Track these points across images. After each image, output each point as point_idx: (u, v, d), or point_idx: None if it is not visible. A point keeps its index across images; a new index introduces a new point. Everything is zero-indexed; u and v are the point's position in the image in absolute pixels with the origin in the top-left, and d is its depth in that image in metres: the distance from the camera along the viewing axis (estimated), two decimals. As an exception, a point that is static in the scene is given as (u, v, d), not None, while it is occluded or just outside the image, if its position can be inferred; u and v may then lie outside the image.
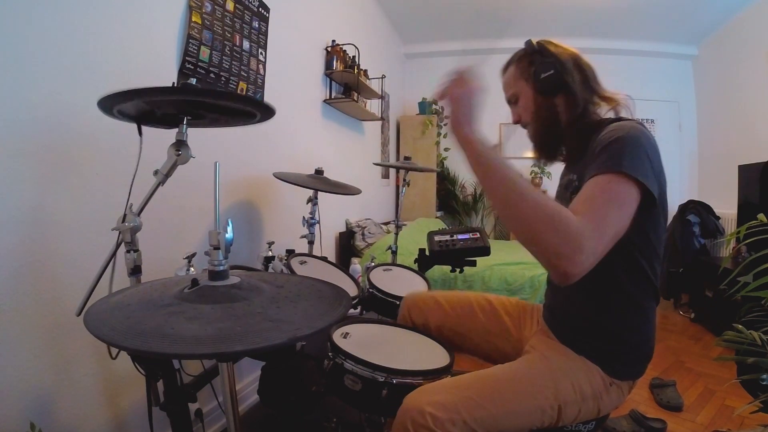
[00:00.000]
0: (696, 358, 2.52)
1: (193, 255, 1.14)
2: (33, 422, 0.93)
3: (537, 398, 0.85)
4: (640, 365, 0.94)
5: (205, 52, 1.56)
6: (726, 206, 3.63)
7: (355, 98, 2.86)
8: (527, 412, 0.84)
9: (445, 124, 4.88)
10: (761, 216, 1.20)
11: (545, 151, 1.03)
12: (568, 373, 0.88)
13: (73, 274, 1.09)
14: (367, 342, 1.10)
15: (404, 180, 2.22)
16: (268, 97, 1.98)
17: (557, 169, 1.09)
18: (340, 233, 3.03)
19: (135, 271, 0.92)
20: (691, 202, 3.71)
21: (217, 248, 0.68)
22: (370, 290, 1.55)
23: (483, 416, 0.80)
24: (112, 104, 0.77)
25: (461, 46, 4.86)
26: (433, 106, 4.73)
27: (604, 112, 0.96)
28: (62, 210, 1.08)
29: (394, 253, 2.13)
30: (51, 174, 1.06)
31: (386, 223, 3.66)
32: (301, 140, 2.39)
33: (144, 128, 0.91)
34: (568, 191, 0.96)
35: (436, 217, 4.57)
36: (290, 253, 1.62)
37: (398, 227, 2.21)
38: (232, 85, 1.72)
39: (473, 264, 1.69)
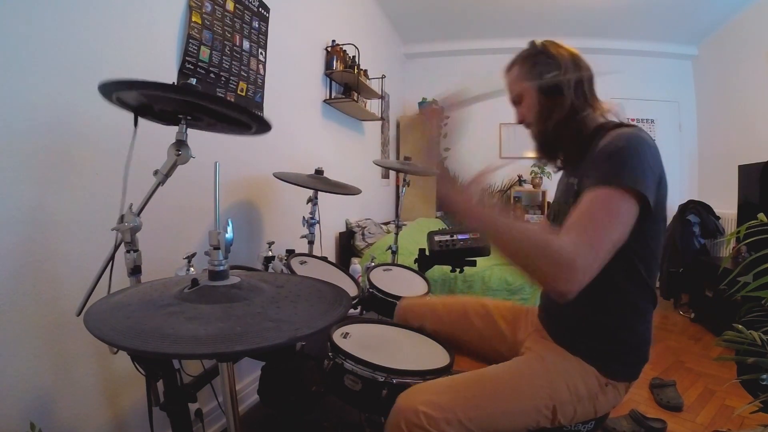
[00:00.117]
0: (696, 358, 2.52)
1: (193, 255, 1.14)
2: (33, 422, 0.93)
3: (532, 398, 0.85)
4: (635, 367, 0.93)
5: (205, 52, 1.56)
6: (726, 206, 3.63)
7: (355, 98, 2.86)
8: (522, 412, 0.84)
9: (445, 124, 4.88)
10: (761, 216, 1.20)
11: (546, 152, 1.04)
12: (563, 374, 0.88)
13: (73, 274, 1.09)
14: (367, 342, 1.10)
15: (404, 180, 2.22)
16: (268, 97, 1.98)
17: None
18: (340, 233, 3.03)
19: (135, 271, 0.92)
20: (691, 202, 3.71)
21: (217, 248, 0.68)
22: (370, 290, 1.55)
23: (478, 415, 0.80)
24: (112, 90, 0.78)
25: (461, 46, 4.87)
26: (433, 106, 4.73)
27: (604, 116, 0.96)
28: (62, 210, 1.08)
29: (394, 253, 2.13)
30: (51, 174, 1.06)
31: (386, 223, 3.66)
32: (301, 140, 2.39)
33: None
34: (568, 195, 0.96)
35: (436, 217, 4.57)
36: (290, 253, 1.62)
37: (398, 227, 2.22)
38: (232, 85, 1.72)
39: (473, 264, 1.69)
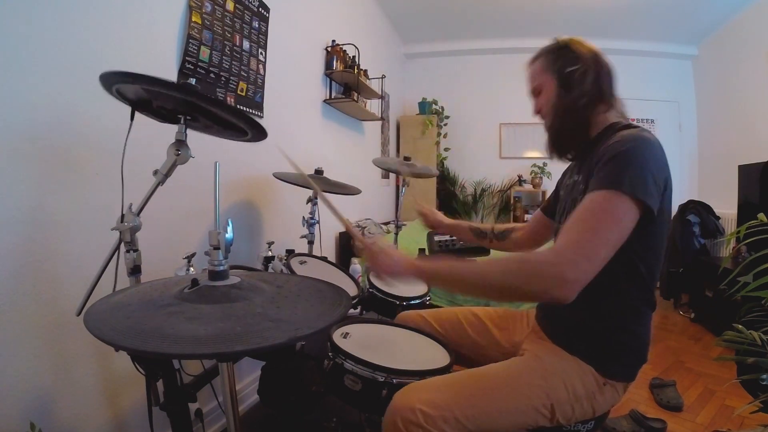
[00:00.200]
0: (696, 358, 2.52)
1: (193, 255, 1.14)
2: (33, 422, 0.93)
3: (529, 397, 0.85)
4: (633, 368, 0.93)
5: (205, 52, 1.56)
6: (726, 206, 3.63)
7: (355, 98, 2.86)
8: (519, 411, 0.84)
9: (445, 124, 4.89)
10: (761, 216, 1.20)
11: (557, 145, 1.04)
12: (560, 373, 0.88)
13: (73, 274, 1.09)
14: (367, 342, 1.10)
15: (404, 180, 2.22)
16: (268, 97, 1.98)
17: (557, 169, 1.09)
18: (340, 233, 3.03)
19: (135, 271, 0.92)
20: (691, 202, 3.71)
21: (217, 248, 0.68)
22: (370, 290, 1.55)
23: (475, 414, 0.80)
24: (113, 82, 0.78)
25: (461, 46, 4.87)
26: (433, 106, 4.73)
27: (616, 116, 0.97)
28: (62, 210, 1.08)
29: (394, 253, 2.12)
30: (51, 174, 1.06)
31: (386, 223, 3.66)
32: (301, 140, 2.39)
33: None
34: (574, 193, 0.96)
35: (436, 217, 4.56)
36: (290, 253, 1.63)
37: (398, 227, 2.22)
38: (232, 85, 1.72)
39: (473, 264, 1.69)
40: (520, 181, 4.81)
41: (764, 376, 1.10)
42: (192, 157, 0.90)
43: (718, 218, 3.65)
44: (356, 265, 2.31)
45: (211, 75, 1.60)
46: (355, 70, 2.81)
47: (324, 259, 1.78)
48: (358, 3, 3.39)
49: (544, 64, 1.00)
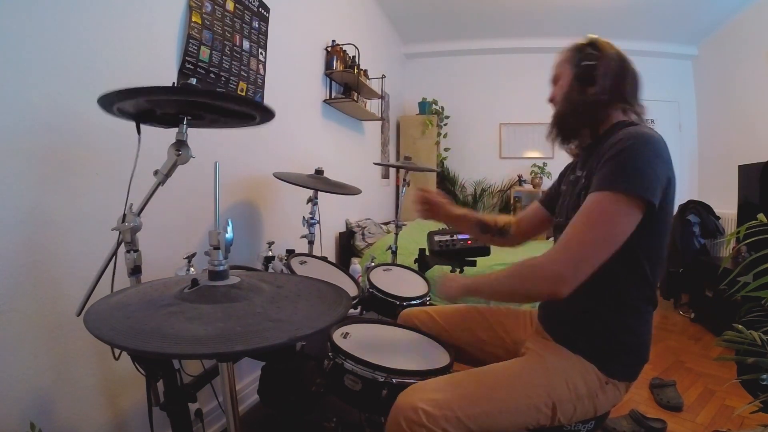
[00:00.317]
0: (696, 358, 2.52)
1: (193, 255, 1.14)
2: (33, 422, 0.93)
3: (531, 396, 0.85)
4: (634, 367, 0.94)
5: (205, 52, 1.56)
6: (726, 206, 3.63)
7: (355, 98, 2.86)
8: (521, 410, 0.84)
9: (445, 124, 4.89)
10: (761, 216, 1.20)
11: (560, 133, 1.06)
12: (562, 372, 0.89)
13: (73, 274, 1.09)
14: (367, 342, 1.10)
15: (404, 180, 2.22)
16: (268, 97, 1.98)
17: (557, 169, 1.09)
18: (340, 233, 3.03)
19: (135, 271, 0.92)
20: (691, 202, 3.71)
21: (217, 248, 0.68)
22: (370, 290, 1.55)
23: (477, 413, 0.81)
24: (113, 102, 0.77)
25: (461, 46, 4.87)
26: (433, 106, 4.73)
27: (639, 117, 0.98)
28: (62, 210, 1.08)
29: (394, 253, 2.13)
30: (51, 174, 1.06)
31: (386, 223, 3.66)
32: (301, 140, 2.39)
33: (143, 127, 0.91)
34: (577, 189, 0.98)
35: (436, 217, 4.56)
36: (290, 253, 1.63)
37: (398, 227, 2.22)
38: (232, 85, 1.72)
39: (473, 264, 1.69)
40: (520, 181, 4.81)
41: (764, 376, 1.10)
42: (192, 157, 0.90)
43: (718, 218, 3.65)
44: (356, 265, 2.31)
45: (211, 75, 1.60)
46: (355, 70, 2.81)
47: (324, 259, 1.78)
48: (358, 3, 3.39)
49: (567, 56, 1.03)
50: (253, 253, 1.89)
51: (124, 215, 0.89)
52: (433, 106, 4.73)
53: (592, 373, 0.89)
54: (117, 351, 0.96)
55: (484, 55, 4.96)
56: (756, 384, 1.13)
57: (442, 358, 1.05)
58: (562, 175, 1.16)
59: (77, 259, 1.11)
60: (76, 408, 1.11)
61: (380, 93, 3.40)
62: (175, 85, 1.41)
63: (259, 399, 1.34)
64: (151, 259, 1.06)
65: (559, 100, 1.03)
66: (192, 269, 1.12)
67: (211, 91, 0.85)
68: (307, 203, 1.90)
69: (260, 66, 1.91)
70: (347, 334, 1.12)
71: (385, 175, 4.29)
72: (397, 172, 4.48)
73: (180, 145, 0.89)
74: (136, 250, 0.92)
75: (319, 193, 1.89)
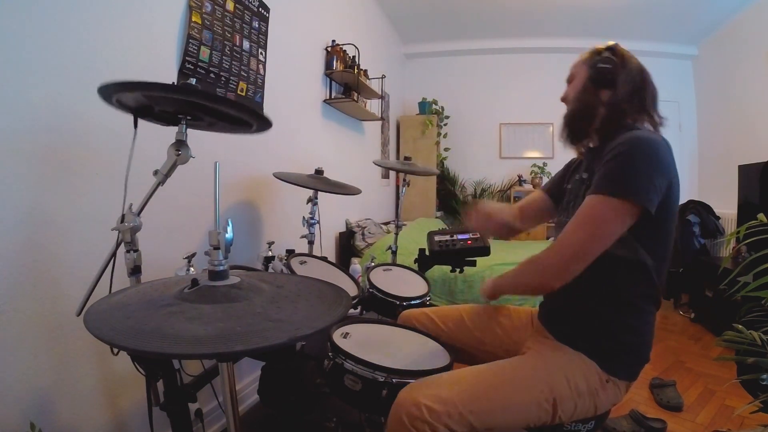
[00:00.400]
0: (696, 358, 2.52)
1: (193, 255, 1.14)
2: (33, 422, 0.93)
3: (532, 392, 0.85)
4: (635, 367, 0.94)
5: (205, 52, 1.56)
6: (726, 206, 3.63)
7: (355, 98, 2.86)
8: (522, 406, 0.85)
9: (445, 124, 4.89)
10: (761, 216, 1.20)
11: (570, 133, 1.06)
12: (563, 368, 0.89)
13: (73, 274, 1.09)
14: (367, 342, 1.10)
15: (404, 180, 2.22)
16: (268, 97, 1.98)
17: (557, 168, 1.10)
18: (340, 233, 3.03)
19: (135, 271, 0.92)
20: (691, 202, 3.71)
21: (217, 248, 0.68)
22: (370, 290, 1.55)
23: (479, 409, 0.81)
24: (112, 92, 0.78)
25: (461, 46, 4.87)
26: (433, 106, 4.73)
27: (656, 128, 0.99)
28: (62, 210, 1.08)
29: (394, 253, 2.13)
30: (51, 174, 1.06)
31: (386, 223, 3.66)
32: (301, 140, 2.39)
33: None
34: (581, 190, 0.99)
35: (436, 217, 4.57)
36: (290, 253, 1.62)
37: (398, 227, 2.21)
38: (232, 85, 1.72)
39: (473, 264, 1.69)
40: (520, 181, 4.81)
41: (764, 376, 1.10)
42: (192, 157, 0.90)
43: (718, 218, 3.65)
44: (356, 265, 2.31)
45: (211, 75, 1.60)
46: (355, 70, 2.81)
47: (324, 259, 1.78)
48: (358, 3, 3.39)
49: (587, 58, 1.03)
50: (253, 253, 1.89)
51: (124, 215, 0.89)
52: (433, 106, 4.73)
53: (593, 371, 0.89)
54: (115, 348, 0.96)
55: (484, 55, 4.96)
56: (756, 384, 1.13)
57: (442, 358, 1.05)
58: (566, 170, 1.17)
59: (77, 259, 1.11)
60: (76, 408, 1.11)
61: (380, 93, 3.40)
62: (175, 84, 1.41)
63: (259, 399, 1.34)
64: (151, 259, 1.06)
65: (571, 100, 1.04)
66: (192, 269, 1.11)
67: (208, 93, 0.85)
68: (307, 203, 1.90)
69: (260, 66, 1.91)
70: (347, 334, 1.11)
71: (385, 175, 4.29)
72: (397, 172, 4.48)
73: (180, 145, 0.89)
74: (136, 250, 0.92)
75: (319, 193, 1.89)
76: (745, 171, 3.23)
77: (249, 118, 0.88)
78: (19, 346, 0.98)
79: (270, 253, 1.61)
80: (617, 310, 0.91)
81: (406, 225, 3.30)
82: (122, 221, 0.89)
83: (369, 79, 3.13)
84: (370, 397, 0.93)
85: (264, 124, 0.90)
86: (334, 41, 2.74)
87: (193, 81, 1.50)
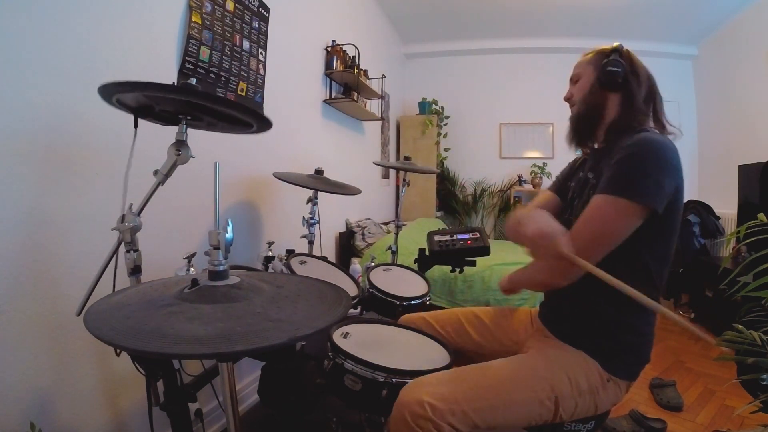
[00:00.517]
0: (696, 358, 2.52)
1: (193, 255, 1.14)
2: (33, 422, 0.93)
3: (535, 389, 0.86)
4: (636, 367, 0.94)
5: (205, 52, 1.56)
6: (726, 206, 3.63)
7: (355, 98, 2.86)
8: (524, 403, 0.85)
9: (445, 124, 4.89)
10: (761, 216, 1.19)
11: (577, 135, 1.07)
12: (564, 366, 0.89)
13: (73, 274, 1.09)
14: (367, 342, 1.10)
15: (404, 180, 2.22)
16: (268, 97, 1.98)
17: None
18: (340, 233, 3.03)
19: (135, 271, 0.92)
20: (691, 202, 3.71)
21: (217, 248, 0.68)
22: (370, 290, 1.55)
23: (482, 407, 0.81)
24: (113, 92, 0.78)
25: (461, 46, 4.87)
26: (433, 106, 4.73)
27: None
28: (62, 210, 1.08)
29: (394, 253, 2.13)
30: (51, 174, 1.06)
31: (386, 223, 3.66)
32: (301, 140, 2.39)
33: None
34: (586, 189, 1.00)
35: (436, 217, 4.57)
36: (290, 253, 1.62)
37: (398, 227, 2.21)
38: (232, 85, 1.72)
39: (473, 264, 1.69)
40: (520, 181, 4.81)
41: (764, 376, 1.10)
42: (192, 157, 0.90)
43: (718, 218, 3.65)
44: (356, 265, 2.30)
45: (211, 75, 1.60)
46: (355, 70, 2.81)
47: (324, 259, 1.78)
48: (358, 3, 3.39)
49: (593, 59, 1.03)
50: (253, 253, 1.89)
51: (124, 215, 0.89)
52: (433, 106, 4.73)
53: (594, 370, 0.90)
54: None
55: (484, 55, 4.96)
56: (756, 384, 1.13)
57: (442, 358, 1.05)
58: (571, 168, 1.17)
59: (77, 259, 1.11)
60: (76, 408, 1.11)
61: (380, 93, 3.39)
62: (175, 84, 1.41)
63: (259, 399, 1.34)
64: (151, 259, 1.06)
65: (578, 101, 1.04)
66: (192, 269, 1.12)
67: (208, 94, 0.85)
68: (307, 203, 1.90)
69: (260, 66, 1.91)
70: (347, 334, 1.11)
71: (385, 175, 4.29)
72: (397, 172, 4.48)
73: (180, 145, 0.89)
74: (136, 250, 0.92)
75: (319, 193, 1.89)
76: (745, 171, 3.23)
77: (249, 118, 0.88)
78: (19, 346, 0.98)
79: (270, 253, 1.61)
80: (618, 310, 0.91)
81: (406, 225, 3.30)
82: (122, 221, 0.89)
83: (369, 79, 3.13)
84: (370, 397, 0.93)
85: (264, 124, 0.90)
86: (334, 41, 2.74)
87: (193, 81, 1.49)
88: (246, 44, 1.80)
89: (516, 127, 4.95)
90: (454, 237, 1.70)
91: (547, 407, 0.86)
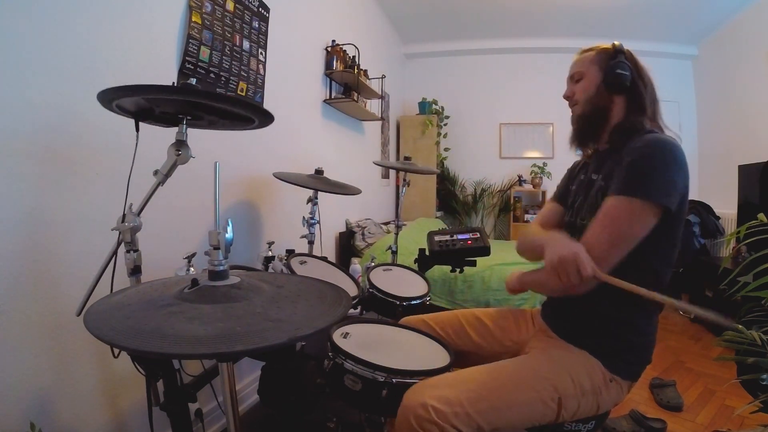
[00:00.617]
0: (696, 358, 2.52)
1: (193, 255, 1.14)
2: (33, 422, 0.93)
3: (538, 389, 0.86)
4: (637, 367, 0.94)
5: (205, 52, 1.56)
6: (726, 206, 3.63)
7: (355, 98, 2.86)
8: (528, 404, 0.85)
9: (445, 124, 4.89)
10: (761, 216, 1.20)
11: (581, 136, 1.07)
12: (567, 366, 0.89)
13: (73, 274, 1.09)
14: (367, 342, 1.10)
15: (404, 180, 2.22)
16: (268, 97, 1.98)
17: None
18: (340, 233, 3.03)
19: (135, 271, 0.92)
20: (691, 202, 3.71)
21: (217, 248, 0.68)
22: (370, 290, 1.55)
23: (485, 408, 0.81)
24: (112, 98, 0.78)
25: (461, 46, 4.87)
26: (433, 106, 4.73)
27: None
28: (62, 210, 1.08)
29: (394, 253, 2.13)
30: (51, 174, 1.06)
31: (386, 223, 3.66)
32: (301, 140, 2.39)
33: (144, 128, 0.91)
34: (592, 190, 1.00)
35: (436, 217, 4.57)
36: (290, 253, 1.62)
37: (398, 227, 2.21)
38: (232, 85, 1.72)
39: (473, 264, 1.69)
40: (520, 181, 4.81)
41: (764, 376, 1.10)
42: (192, 157, 0.90)
43: (718, 218, 3.65)
44: (356, 265, 2.30)
45: (211, 75, 1.60)
46: (355, 70, 2.81)
47: (324, 259, 1.78)
48: (358, 3, 3.39)
49: (596, 58, 1.02)
50: (253, 253, 1.89)
51: (124, 215, 0.89)
52: (433, 106, 4.73)
53: (596, 369, 0.90)
54: (116, 349, 0.96)
55: (484, 55, 4.96)
56: (756, 384, 1.14)
57: (442, 358, 1.05)
58: (571, 173, 1.17)
59: (77, 259, 1.11)
60: (76, 408, 1.11)
61: (380, 93, 3.39)
62: (175, 84, 1.41)
63: (259, 399, 1.34)
64: (151, 259, 1.06)
65: (580, 101, 1.03)
66: (192, 269, 1.11)
67: (209, 92, 0.85)
68: (307, 203, 1.90)
69: (260, 66, 1.91)
70: (347, 334, 1.11)
71: (385, 175, 4.29)
72: (397, 172, 4.48)
73: (180, 145, 0.89)
74: (136, 250, 0.92)
75: (319, 193, 1.89)
76: (745, 171, 3.24)
77: (250, 113, 0.88)
78: (19, 346, 0.98)
79: (270, 253, 1.61)
80: (622, 310, 0.91)
81: (406, 225, 3.30)
82: (122, 221, 0.89)
83: (369, 79, 3.13)
84: (370, 397, 0.93)
85: (266, 118, 0.90)
86: (334, 41, 2.74)
87: (193, 81, 1.49)
88: (246, 44, 1.80)
89: (516, 127, 4.95)
90: (454, 237, 1.70)
91: (550, 407, 0.86)
